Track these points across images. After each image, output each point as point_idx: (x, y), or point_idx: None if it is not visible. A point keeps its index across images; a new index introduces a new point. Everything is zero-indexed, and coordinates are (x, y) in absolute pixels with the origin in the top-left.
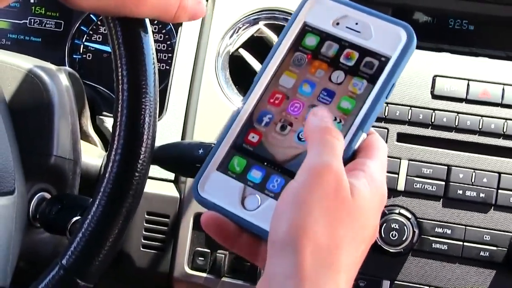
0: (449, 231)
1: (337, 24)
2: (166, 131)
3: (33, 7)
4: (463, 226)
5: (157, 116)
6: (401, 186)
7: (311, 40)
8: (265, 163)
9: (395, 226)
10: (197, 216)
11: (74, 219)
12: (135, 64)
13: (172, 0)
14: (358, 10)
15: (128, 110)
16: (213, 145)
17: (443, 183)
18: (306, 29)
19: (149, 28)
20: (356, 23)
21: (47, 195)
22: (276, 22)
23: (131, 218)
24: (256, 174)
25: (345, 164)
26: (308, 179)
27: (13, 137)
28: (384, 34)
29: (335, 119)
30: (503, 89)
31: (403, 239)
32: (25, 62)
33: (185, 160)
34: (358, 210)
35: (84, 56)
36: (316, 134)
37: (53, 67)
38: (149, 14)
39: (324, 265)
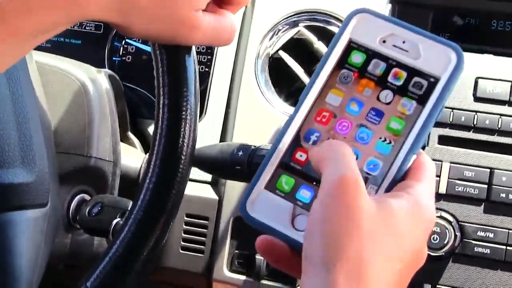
0: (491, 235)
1: (384, 42)
2: (206, 133)
3: None
4: (506, 230)
5: (198, 119)
6: (442, 189)
7: (357, 58)
8: (314, 183)
9: (437, 229)
10: (237, 219)
11: (114, 221)
12: (177, 96)
13: (225, 24)
14: (405, 29)
15: (169, 114)
16: (253, 147)
17: (486, 186)
18: (352, 46)
19: (194, 53)
20: (403, 42)
21: (87, 197)
22: (316, 24)
23: (165, 235)
24: (305, 194)
25: (394, 184)
26: (329, 195)
27: (51, 144)
28: (432, 54)
29: (384, 140)
30: None
31: (445, 242)
32: (65, 64)
33: (225, 162)
34: (388, 224)
35: (124, 58)
36: (321, 154)
37: (93, 69)
38: (201, 41)
39: (355, 281)
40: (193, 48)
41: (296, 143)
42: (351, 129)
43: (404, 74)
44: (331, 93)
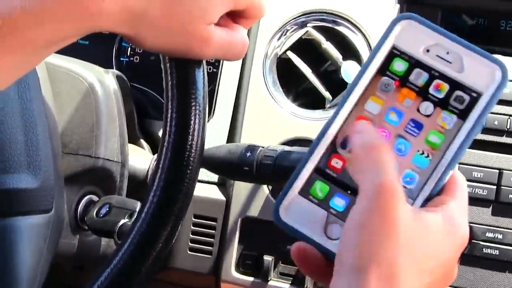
0: (500, 236)
1: (427, 51)
2: (214, 134)
3: None
4: None
5: (206, 121)
6: None
7: (399, 66)
8: (349, 191)
9: None
10: (245, 220)
11: (122, 222)
12: (186, 111)
13: (237, 39)
14: (450, 39)
15: (178, 115)
16: (261, 147)
17: (494, 187)
18: (395, 53)
19: (204, 66)
20: (447, 53)
21: (95, 198)
22: (325, 24)
23: (173, 237)
24: (339, 202)
25: (430, 199)
26: (367, 201)
27: (57, 148)
28: (476, 69)
29: (422, 153)
30: None
31: None
32: (73, 65)
33: (233, 163)
34: (423, 235)
35: (132, 58)
36: (362, 154)
37: (101, 69)
38: (212, 55)
39: (385, 286)
40: (204, 61)
41: (332, 149)
42: (389, 139)
43: (446, 87)
44: (371, 101)
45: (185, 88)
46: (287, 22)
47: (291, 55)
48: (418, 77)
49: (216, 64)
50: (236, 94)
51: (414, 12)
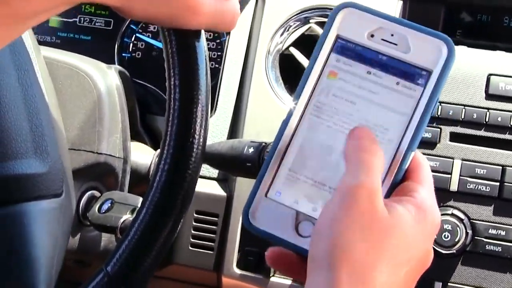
0: (503, 233)
1: (372, 36)
2: (216, 130)
3: (83, 6)
4: None
5: (209, 117)
6: (454, 187)
7: (346, 55)
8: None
9: (448, 227)
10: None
11: (124, 217)
12: (188, 77)
13: (228, 8)
14: (392, 22)
15: (180, 113)
16: (263, 143)
17: (497, 183)
18: (340, 42)
19: (203, 37)
20: (392, 35)
21: (97, 194)
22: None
23: (180, 223)
24: None
25: (396, 187)
26: (342, 199)
27: (63, 137)
28: (423, 47)
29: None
30: None
31: (456, 240)
32: (75, 60)
33: (235, 159)
34: (397, 230)
35: (134, 54)
36: (351, 153)
37: (103, 65)
38: (204, 25)
39: (359, 283)
40: (202, 31)
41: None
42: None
43: (395, 69)
44: (322, 94)
45: (186, 56)
46: (289, 18)
47: (294, 51)
48: (367, 64)
49: (218, 60)
50: (239, 90)
51: (417, 8)
